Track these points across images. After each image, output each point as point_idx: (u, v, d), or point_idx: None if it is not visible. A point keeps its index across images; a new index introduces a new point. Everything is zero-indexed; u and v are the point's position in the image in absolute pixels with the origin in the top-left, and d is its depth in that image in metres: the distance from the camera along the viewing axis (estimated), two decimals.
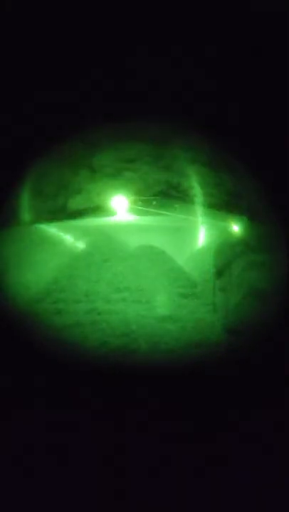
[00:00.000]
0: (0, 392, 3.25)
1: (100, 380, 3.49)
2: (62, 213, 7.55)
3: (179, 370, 3.77)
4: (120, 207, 8.25)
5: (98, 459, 2.77)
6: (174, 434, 2.95)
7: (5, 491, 2.53)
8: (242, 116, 3.81)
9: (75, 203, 8.00)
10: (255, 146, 3.92)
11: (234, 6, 3.38)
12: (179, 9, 3.40)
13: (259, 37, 3.46)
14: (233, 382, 3.36)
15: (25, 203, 6.04)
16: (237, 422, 3.03)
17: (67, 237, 6.43)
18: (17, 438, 2.93)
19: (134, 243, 6.24)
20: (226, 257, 4.56)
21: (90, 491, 2.56)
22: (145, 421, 3.04)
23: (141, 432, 2.96)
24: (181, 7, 3.40)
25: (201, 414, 3.11)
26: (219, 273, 4.52)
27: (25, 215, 6.12)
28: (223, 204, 6.35)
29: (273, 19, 3.37)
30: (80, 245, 6.23)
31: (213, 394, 3.26)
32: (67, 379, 3.42)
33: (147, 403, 3.18)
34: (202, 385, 3.36)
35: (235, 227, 5.08)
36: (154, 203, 8.31)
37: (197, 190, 6.88)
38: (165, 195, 8.33)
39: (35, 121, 4.17)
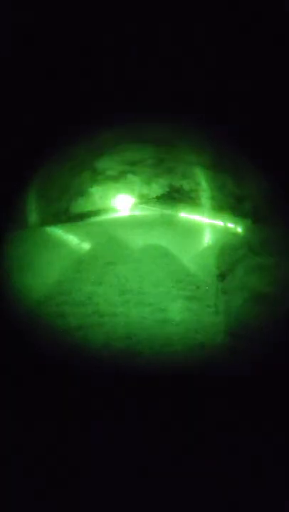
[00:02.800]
0: (3, 392, 3.26)
1: (103, 381, 3.49)
2: (65, 216, 7.60)
3: (181, 372, 3.77)
4: (123, 209, 8.30)
5: (99, 459, 2.78)
6: (176, 435, 2.95)
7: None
8: (246, 119, 3.81)
9: (79, 205, 8.05)
10: (260, 148, 3.92)
11: (233, 5, 3.37)
12: (179, 10, 3.40)
13: (261, 36, 3.45)
14: (235, 384, 3.36)
15: (30, 206, 6.07)
16: (239, 423, 3.02)
17: (70, 239, 6.46)
18: (17, 437, 2.94)
19: (138, 245, 6.25)
20: (229, 260, 4.56)
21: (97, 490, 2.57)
22: (147, 421, 3.05)
23: (144, 432, 2.97)
24: (181, 7, 3.39)
25: (204, 415, 3.10)
26: (222, 276, 4.52)
27: (30, 218, 6.14)
28: (227, 206, 6.35)
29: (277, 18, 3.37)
30: (84, 248, 6.25)
31: (215, 395, 3.26)
32: (70, 380, 3.42)
33: (150, 404, 3.17)
34: (205, 387, 3.36)
35: (239, 230, 5.08)
36: (157, 205, 8.35)
37: (200, 193, 6.90)
38: (168, 197, 8.37)
39: (39, 126, 4.19)
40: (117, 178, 7.70)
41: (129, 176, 7.66)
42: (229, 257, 4.58)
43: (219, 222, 5.96)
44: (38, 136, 4.42)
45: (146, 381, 3.59)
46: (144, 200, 8.01)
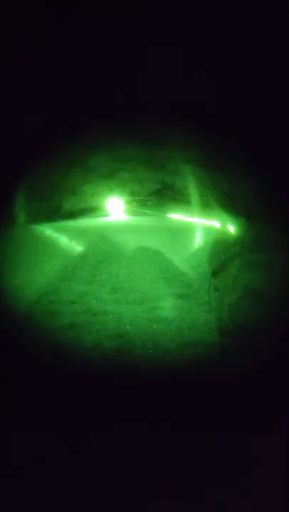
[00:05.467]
0: None
1: (94, 381, 3.48)
2: (56, 214, 7.53)
3: (174, 371, 3.77)
4: (115, 207, 8.26)
5: (92, 460, 2.77)
6: (167, 434, 2.95)
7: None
8: (239, 116, 3.81)
9: (70, 203, 7.96)
10: (253, 145, 3.91)
11: (232, 5, 3.37)
12: (177, 8, 3.39)
13: (256, 35, 3.45)
14: (227, 384, 3.36)
15: (20, 204, 6.01)
16: (232, 423, 3.02)
17: (61, 238, 6.40)
18: (10, 437, 2.92)
19: (129, 244, 6.22)
20: (222, 257, 4.55)
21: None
22: (139, 422, 3.04)
23: (135, 433, 2.96)
24: (179, 6, 3.38)
25: (195, 415, 3.10)
26: (215, 273, 4.51)
27: (20, 215, 6.08)
28: (219, 204, 6.34)
29: (272, 17, 3.36)
30: (75, 246, 6.20)
31: (208, 394, 3.26)
32: (62, 380, 3.41)
33: (142, 404, 3.17)
34: (197, 386, 3.36)
35: (232, 227, 5.06)
36: (149, 203, 8.32)
37: (192, 190, 6.88)
38: (160, 195, 8.33)
39: (30, 121, 4.15)
40: (109, 175, 7.62)
41: (121, 174, 7.60)
42: (222, 255, 4.56)
43: (211, 220, 5.94)
44: (29, 135, 4.38)
45: (138, 379, 3.58)
46: (136, 197, 7.95)
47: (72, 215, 7.66)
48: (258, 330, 3.70)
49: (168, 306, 4.63)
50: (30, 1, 3.37)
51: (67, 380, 3.38)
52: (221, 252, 4.71)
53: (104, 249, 6.25)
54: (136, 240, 6.47)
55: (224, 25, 3.41)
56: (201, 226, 6.39)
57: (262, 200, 4.30)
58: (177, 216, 7.53)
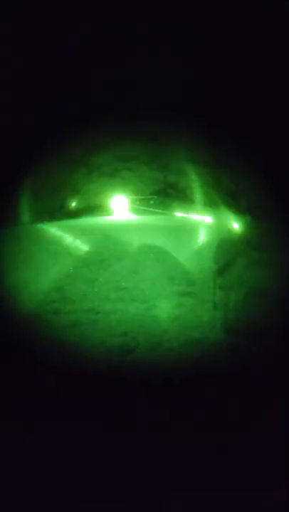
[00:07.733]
0: None
1: (98, 379, 3.48)
2: (60, 213, 7.55)
3: (177, 369, 3.76)
4: (118, 206, 8.26)
5: (94, 457, 2.77)
6: (170, 433, 2.94)
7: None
8: (241, 114, 3.80)
9: (74, 202, 7.99)
10: (255, 144, 3.90)
11: (231, 6, 3.36)
12: (178, 8, 3.38)
13: (257, 34, 3.44)
14: (232, 382, 3.35)
15: (24, 203, 6.02)
16: (236, 422, 3.02)
17: (65, 236, 6.43)
18: (14, 435, 2.93)
19: (133, 242, 6.24)
20: (227, 256, 4.54)
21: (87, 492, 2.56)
22: (142, 420, 3.04)
23: (138, 431, 2.96)
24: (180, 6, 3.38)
25: (199, 414, 3.09)
26: (220, 271, 4.50)
27: (24, 215, 6.10)
28: (223, 202, 6.34)
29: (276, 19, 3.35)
30: (79, 245, 6.22)
31: (211, 393, 3.25)
32: (66, 378, 3.41)
33: (145, 402, 3.17)
34: (201, 384, 3.35)
35: (236, 226, 5.05)
36: (152, 202, 8.32)
37: (195, 189, 6.87)
38: (163, 194, 8.34)
39: (33, 121, 4.15)
40: (112, 174, 7.65)
41: (124, 173, 7.62)
42: (227, 253, 4.56)
43: (215, 219, 5.94)
44: (33, 133, 4.39)
45: (142, 378, 3.58)
46: (139, 196, 7.98)
47: (75, 214, 7.68)
48: (263, 328, 3.69)
49: (171, 305, 4.64)
50: None
51: (71, 377, 3.39)
52: (225, 250, 4.70)
53: (107, 248, 6.25)
54: (139, 239, 6.48)
55: (223, 27, 3.41)
56: (205, 225, 6.39)
57: (267, 199, 4.29)
58: (181, 215, 7.55)
